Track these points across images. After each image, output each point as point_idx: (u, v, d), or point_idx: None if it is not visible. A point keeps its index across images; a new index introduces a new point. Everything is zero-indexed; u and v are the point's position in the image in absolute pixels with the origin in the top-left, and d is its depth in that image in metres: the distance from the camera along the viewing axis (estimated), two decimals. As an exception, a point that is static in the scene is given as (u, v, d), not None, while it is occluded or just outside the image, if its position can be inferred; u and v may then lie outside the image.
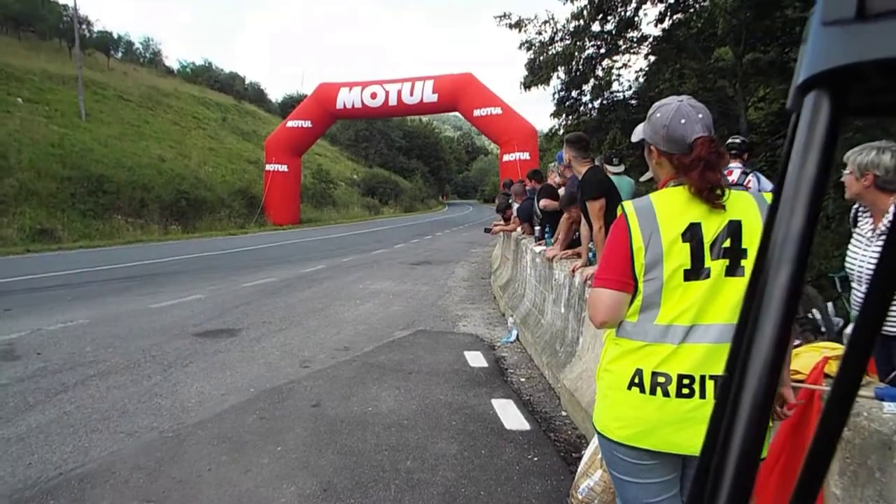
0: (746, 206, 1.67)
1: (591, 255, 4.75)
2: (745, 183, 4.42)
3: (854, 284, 2.90)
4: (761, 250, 0.33)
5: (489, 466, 3.53)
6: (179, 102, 39.30)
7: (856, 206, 2.91)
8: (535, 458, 3.65)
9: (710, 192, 1.62)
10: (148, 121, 32.69)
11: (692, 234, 1.64)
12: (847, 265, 2.89)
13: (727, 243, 1.63)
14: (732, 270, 1.63)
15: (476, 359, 5.87)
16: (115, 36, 43.57)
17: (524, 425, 4.19)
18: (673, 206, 1.67)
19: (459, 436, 3.98)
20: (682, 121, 1.65)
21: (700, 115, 1.65)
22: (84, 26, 36.22)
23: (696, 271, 1.64)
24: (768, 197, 1.72)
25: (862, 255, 2.78)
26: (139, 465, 3.51)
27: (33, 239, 17.44)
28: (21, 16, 34.97)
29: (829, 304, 4.65)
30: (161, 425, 4.13)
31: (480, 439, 3.93)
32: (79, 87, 27.22)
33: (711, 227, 1.64)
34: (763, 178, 4.55)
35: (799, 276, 0.31)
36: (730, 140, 4.91)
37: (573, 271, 4.87)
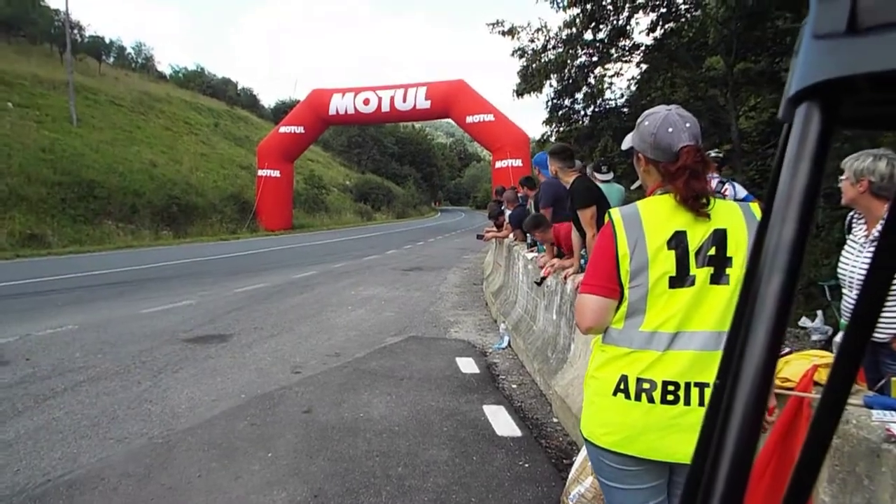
0: (732, 215, 1.69)
1: (582, 262, 4.77)
2: (721, 191, 4.57)
3: (845, 290, 2.92)
4: (753, 259, 0.33)
5: (480, 473, 3.52)
6: (171, 108, 39.07)
7: (851, 212, 2.94)
8: (527, 465, 3.65)
9: (695, 201, 1.64)
10: (139, 126, 32.47)
11: (678, 241, 1.65)
12: (839, 271, 2.91)
13: (712, 251, 1.65)
14: (717, 278, 1.65)
15: (468, 365, 5.86)
16: (107, 41, 43.32)
17: (515, 432, 4.19)
18: (659, 214, 1.69)
19: (451, 442, 3.97)
20: (670, 129, 1.66)
21: (687, 125, 1.67)
22: (75, 31, 36.07)
23: (681, 278, 1.65)
24: (755, 207, 1.74)
25: (854, 262, 2.80)
26: (128, 472, 3.48)
27: (23, 244, 17.25)
28: (11, 20, 34.65)
29: (819, 312, 4.68)
30: (151, 431, 4.10)
31: (472, 446, 3.92)
32: (70, 91, 27.03)
33: (697, 235, 1.65)
34: (738, 186, 4.70)
35: (791, 285, 0.31)
36: (713, 155, 5.04)
37: (565, 278, 4.88)
